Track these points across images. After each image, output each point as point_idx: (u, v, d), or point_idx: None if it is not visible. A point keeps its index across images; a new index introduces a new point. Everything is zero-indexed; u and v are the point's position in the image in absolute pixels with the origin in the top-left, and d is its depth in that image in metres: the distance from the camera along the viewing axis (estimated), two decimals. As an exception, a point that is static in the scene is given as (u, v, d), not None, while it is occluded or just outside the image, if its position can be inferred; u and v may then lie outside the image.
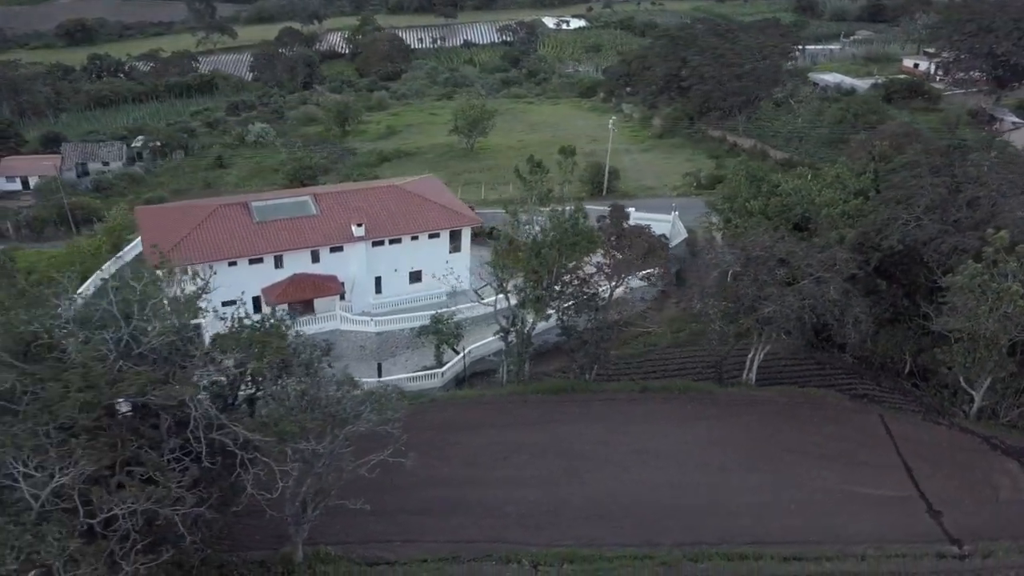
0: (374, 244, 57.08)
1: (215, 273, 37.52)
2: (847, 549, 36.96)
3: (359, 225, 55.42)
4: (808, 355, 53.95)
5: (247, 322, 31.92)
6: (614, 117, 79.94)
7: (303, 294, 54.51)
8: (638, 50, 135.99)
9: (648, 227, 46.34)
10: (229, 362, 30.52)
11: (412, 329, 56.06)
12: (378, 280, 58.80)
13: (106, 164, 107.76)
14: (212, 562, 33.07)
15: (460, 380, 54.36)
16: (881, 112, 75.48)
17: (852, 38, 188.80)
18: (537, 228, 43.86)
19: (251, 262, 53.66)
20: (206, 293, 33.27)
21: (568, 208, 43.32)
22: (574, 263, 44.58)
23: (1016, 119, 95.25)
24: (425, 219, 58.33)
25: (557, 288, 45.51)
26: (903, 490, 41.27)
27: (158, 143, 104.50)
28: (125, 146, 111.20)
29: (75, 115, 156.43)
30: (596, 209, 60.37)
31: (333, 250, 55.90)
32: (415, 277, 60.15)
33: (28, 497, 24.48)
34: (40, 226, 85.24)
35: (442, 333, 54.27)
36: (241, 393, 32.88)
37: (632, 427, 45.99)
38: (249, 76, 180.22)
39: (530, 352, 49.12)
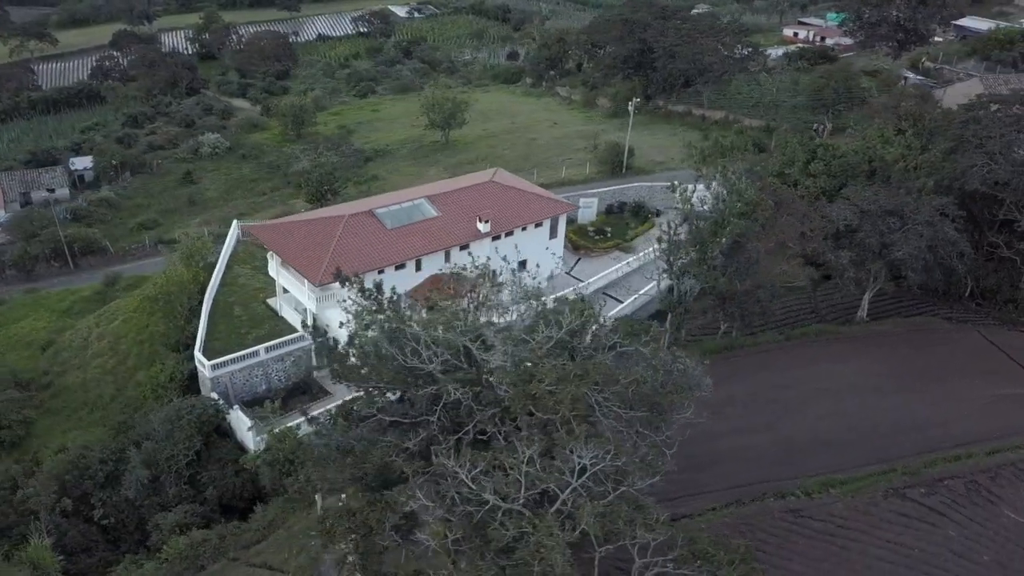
0: (492, 239, 59.03)
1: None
2: (1029, 437, 45.09)
3: (485, 222, 57.21)
4: (883, 290, 62.26)
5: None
6: (637, 99, 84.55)
7: (443, 293, 55.61)
8: (557, 34, 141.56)
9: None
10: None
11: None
12: (493, 272, 60.60)
13: (51, 191, 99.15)
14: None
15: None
16: (856, 79, 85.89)
17: (695, 11, 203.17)
18: (713, 203, 48.27)
19: (396, 268, 54.26)
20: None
21: (742, 178, 48.06)
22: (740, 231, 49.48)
23: (918, 78, 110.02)
24: (532, 209, 60.91)
25: (723, 255, 50.30)
26: (1038, 387, 50.22)
27: (114, 163, 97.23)
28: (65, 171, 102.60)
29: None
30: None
31: (461, 248, 57.36)
32: (521, 266, 62.51)
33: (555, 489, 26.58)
34: (31, 264, 77.79)
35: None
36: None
37: (797, 370, 51.86)
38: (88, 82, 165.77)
39: (688, 317, 53.65)
